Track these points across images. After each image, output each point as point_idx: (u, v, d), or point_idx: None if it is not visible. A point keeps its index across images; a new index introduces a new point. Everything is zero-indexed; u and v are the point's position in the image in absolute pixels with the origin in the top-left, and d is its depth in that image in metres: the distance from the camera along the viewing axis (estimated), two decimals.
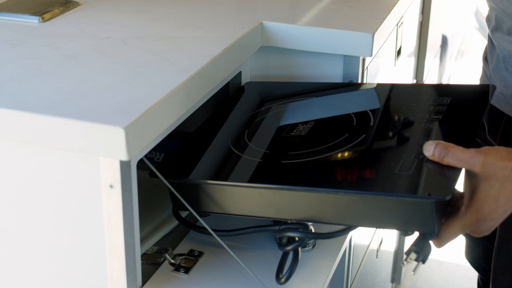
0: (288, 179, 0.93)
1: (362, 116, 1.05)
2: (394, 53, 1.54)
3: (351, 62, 1.22)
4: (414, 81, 2.00)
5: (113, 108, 0.86)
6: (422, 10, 1.91)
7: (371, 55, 1.18)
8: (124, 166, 0.87)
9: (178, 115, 0.95)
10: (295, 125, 1.05)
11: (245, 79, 1.25)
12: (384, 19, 1.24)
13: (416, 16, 1.84)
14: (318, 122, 1.05)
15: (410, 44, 1.80)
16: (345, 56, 1.21)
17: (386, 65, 1.47)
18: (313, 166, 0.94)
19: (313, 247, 1.09)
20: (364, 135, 0.99)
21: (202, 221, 0.98)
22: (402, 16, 1.53)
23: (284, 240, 1.02)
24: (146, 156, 0.92)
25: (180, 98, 0.94)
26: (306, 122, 1.05)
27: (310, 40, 1.20)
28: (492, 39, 1.24)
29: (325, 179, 0.91)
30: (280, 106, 1.13)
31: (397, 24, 1.49)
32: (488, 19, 1.28)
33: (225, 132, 1.08)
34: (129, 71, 0.98)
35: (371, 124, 1.02)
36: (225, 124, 1.11)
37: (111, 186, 0.87)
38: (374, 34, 1.17)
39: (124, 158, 0.83)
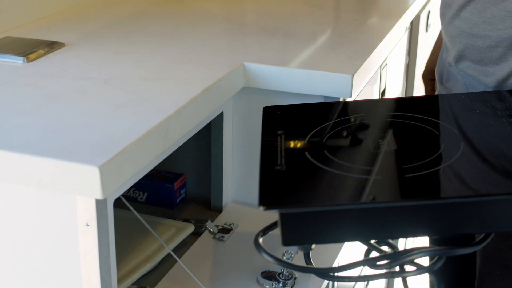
0: (434, 191, 0.87)
1: (436, 125, 1.02)
2: (378, 94, 1.55)
3: None
4: None
5: (89, 147, 0.87)
6: (408, 51, 1.94)
7: (351, 96, 1.20)
8: (100, 204, 0.88)
9: (155, 155, 0.96)
10: (376, 141, 0.98)
11: (227, 119, 1.27)
12: (364, 60, 1.26)
13: (402, 57, 1.86)
14: (396, 136, 1.00)
15: (396, 85, 1.82)
16: (325, 97, 1.23)
17: None
18: (438, 175, 0.88)
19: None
20: (462, 142, 0.96)
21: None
22: (386, 58, 1.56)
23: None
24: (128, 195, 0.93)
25: (158, 138, 0.95)
26: (383, 137, 0.99)
27: (291, 81, 1.22)
28: (455, 69, 1.24)
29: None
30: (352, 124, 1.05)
31: (380, 66, 1.51)
32: (445, 49, 1.29)
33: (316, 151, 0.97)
34: (108, 111, 1.00)
35: (456, 132, 1.00)
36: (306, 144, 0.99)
37: (87, 225, 0.88)
38: (353, 75, 1.19)
39: (99, 196, 0.84)
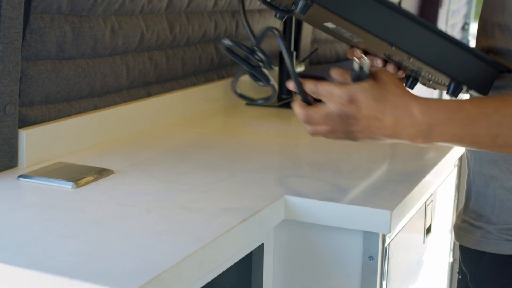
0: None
1: None
2: (422, 231, 1.55)
3: (371, 238, 1.24)
4: (451, 260, 1.99)
5: (123, 273, 0.89)
6: (457, 188, 1.94)
7: (389, 232, 1.20)
8: None
9: (190, 283, 0.97)
10: None
11: (268, 251, 1.28)
12: (405, 196, 1.27)
13: (451, 194, 1.86)
14: None
15: (444, 222, 1.80)
16: (365, 232, 1.24)
17: (413, 242, 1.48)
18: None
19: None
20: None
21: None
22: (431, 194, 1.56)
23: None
24: None
25: (192, 267, 0.97)
26: None
27: (330, 215, 1.23)
28: None
29: None
30: None
31: (425, 202, 1.51)
32: None
33: None
34: (146, 238, 1.02)
35: None
36: None
37: None
38: (392, 211, 1.19)
39: None
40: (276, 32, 1.06)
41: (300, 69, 2.23)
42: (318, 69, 2.67)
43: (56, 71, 1.43)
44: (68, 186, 1.25)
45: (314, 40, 2.71)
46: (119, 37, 1.59)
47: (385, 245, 1.27)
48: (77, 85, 1.49)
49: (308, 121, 1.03)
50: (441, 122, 0.98)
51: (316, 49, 2.24)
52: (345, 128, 1.01)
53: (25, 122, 1.38)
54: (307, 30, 2.57)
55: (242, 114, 1.99)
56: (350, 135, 1.02)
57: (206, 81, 1.99)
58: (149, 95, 1.74)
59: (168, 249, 0.99)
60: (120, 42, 1.60)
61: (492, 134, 0.97)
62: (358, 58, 1.02)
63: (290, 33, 2.13)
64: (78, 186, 1.25)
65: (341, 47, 3.00)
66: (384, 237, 1.25)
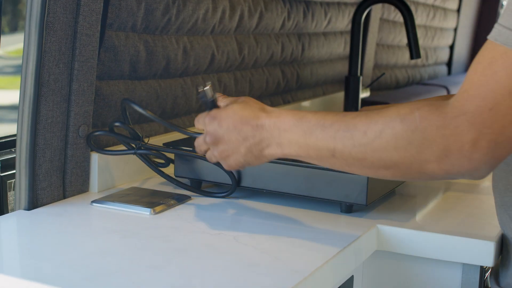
0: None
1: None
2: None
3: (470, 270, 1.15)
4: None
5: None
6: None
7: (493, 265, 1.11)
8: None
9: None
10: None
11: (357, 284, 1.19)
12: None
13: None
14: None
15: None
16: (464, 264, 1.15)
17: None
18: None
19: None
20: None
21: None
22: None
23: None
24: None
25: None
26: None
27: (426, 246, 1.14)
28: None
29: None
30: None
31: None
32: None
33: None
34: (240, 269, 0.94)
35: None
36: None
37: None
38: (496, 242, 1.10)
39: None
40: (130, 102, 1.22)
41: (365, 94, 2.15)
42: (382, 95, 2.59)
43: (129, 92, 1.37)
44: (145, 212, 1.17)
45: (375, 66, 2.64)
46: (191, 58, 1.52)
47: (484, 278, 1.18)
48: (149, 106, 1.43)
49: (197, 146, 1.13)
50: (288, 128, 1.00)
51: (383, 73, 2.16)
52: (218, 147, 1.06)
53: (97, 145, 1.31)
54: (370, 55, 2.50)
55: None
56: (224, 154, 1.06)
57: (272, 105, 1.92)
58: None
59: (266, 283, 0.90)
60: (192, 63, 1.53)
61: (330, 148, 0.96)
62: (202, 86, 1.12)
63: (357, 57, 2.05)
64: (155, 212, 1.18)
65: (400, 73, 2.92)
66: (483, 270, 1.16)
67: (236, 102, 1.07)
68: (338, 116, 0.97)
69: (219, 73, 1.67)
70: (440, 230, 1.15)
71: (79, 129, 1.23)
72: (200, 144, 1.12)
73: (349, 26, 2.28)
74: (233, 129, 1.04)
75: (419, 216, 1.24)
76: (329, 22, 2.14)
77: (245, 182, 1.27)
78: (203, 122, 1.09)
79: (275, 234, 1.10)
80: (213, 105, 1.10)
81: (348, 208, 1.22)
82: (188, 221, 1.14)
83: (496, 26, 0.87)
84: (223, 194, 1.28)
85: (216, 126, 1.05)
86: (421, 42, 3.05)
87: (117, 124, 1.25)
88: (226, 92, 1.68)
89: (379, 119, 0.92)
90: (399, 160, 0.91)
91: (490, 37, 0.87)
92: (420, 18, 2.99)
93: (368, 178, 1.17)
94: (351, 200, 1.19)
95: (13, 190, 1.43)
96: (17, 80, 1.32)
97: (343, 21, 2.24)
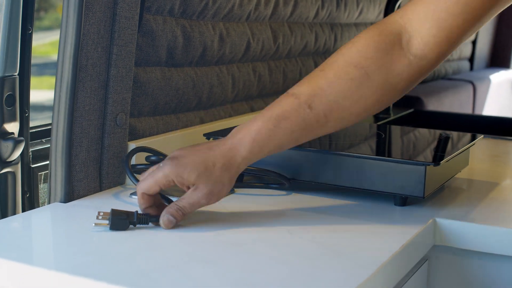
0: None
1: None
2: None
3: None
4: None
5: None
6: None
7: None
8: None
9: None
10: None
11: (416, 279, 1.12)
12: None
13: None
14: None
15: None
16: None
17: None
18: None
19: None
20: None
21: None
22: None
23: None
24: None
25: None
26: None
27: (488, 241, 1.07)
28: None
29: None
30: None
31: None
32: None
33: None
34: (301, 263, 0.88)
35: None
36: None
37: None
38: None
39: None
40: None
41: None
42: None
43: (165, 79, 1.30)
44: None
45: None
46: (227, 45, 1.46)
47: None
48: (186, 95, 1.36)
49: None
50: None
51: None
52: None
53: (133, 135, 1.24)
54: None
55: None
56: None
57: None
58: (252, 110, 1.61)
59: (333, 277, 0.84)
60: (228, 51, 1.46)
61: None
62: None
63: None
64: None
65: None
66: None
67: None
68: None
69: (254, 62, 1.60)
70: (502, 224, 1.08)
71: (116, 117, 1.17)
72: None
73: (380, 17, 2.21)
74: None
75: (477, 209, 1.17)
76: (360, 12, 2.07)
77: (294, 175, 1.19)
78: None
79: (332, 229, 1.03)
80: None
81: (403, 201, 1.15)
82: (236, 215, 1.07)
83: None
84: (276, 186, 1.21)
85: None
86: None
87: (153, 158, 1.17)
88: (261, 82, 1.61)
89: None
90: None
91: None
92: None
93: (425, 168, 1.10)
94: (408, 192, 1.12)
95: (44, 182, 1.37)
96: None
97: (374, 12, 2.17)
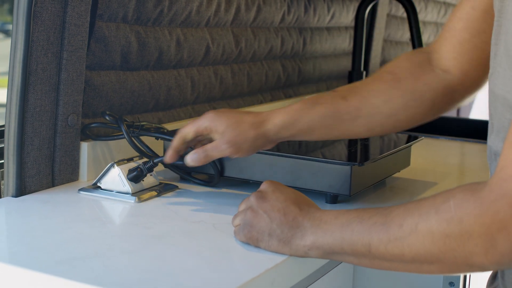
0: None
1: None
2: None
3: None
4: None
5: None
6: None
7: None
8: None
9: None
10: None
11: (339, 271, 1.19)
12: None
13: None
14: None
15: None
16: None
17: None
18: None
19: None
20: None
21: None
22: None
23: None
24: None
25: (264, 286, 0.90)
26: None
27: None
28: None
29: None
30: None
31: None
32: None
33: None
34: (213, 255, 0.95)
35: None
36: None
37: None
38: None
39: None
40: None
41: None
42: None
43: (120, 82, 1.38)
44: (131, 200, 1.19)
45: (383, 62, 2.63)
46: (185, 49, 1.53)
47: None
48: (142, 97, 1.44)
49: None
50: (328, 220, 0.92)
51: None
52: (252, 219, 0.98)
53: (87, 134, 1.33)
54: (377, 51, 2.49)
55: None
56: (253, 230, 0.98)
57: (273, 99, 1.92)
58: None
59: (236, 268, 0.91)
60: (186, 55, 1.54)
61: (365, 243, 0.87)
62: None
63: (361, 52, 2.05)
64: (141, 200, 1.19)
65: None
66: None
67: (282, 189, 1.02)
68: (380, 208, 0.89)
69: (215, 65, 1.68)
70: None
71: (68, 118, 1.25)
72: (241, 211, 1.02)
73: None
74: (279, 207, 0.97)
75: None
76: (332, 17, 2.14)
77: (231, 172, 1.27)
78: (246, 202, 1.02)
79: None
80: None
81: (333, 199, 1.22)
82: (171, 210, 1.15)
83: None
84: (206, 183, 1.29)
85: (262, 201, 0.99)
86: (431, 39, 3.04)
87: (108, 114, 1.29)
88: (223, 85, 1.69)
89: (415, 211, 0.84)
90: (440, 255, 0.81)
91: None
92: (430, 15, 2.97)
93: (351, 168, 1.18)
94: (335, 190, 1.20)
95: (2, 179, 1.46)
96: None
97: (348, 16, 2.23)
